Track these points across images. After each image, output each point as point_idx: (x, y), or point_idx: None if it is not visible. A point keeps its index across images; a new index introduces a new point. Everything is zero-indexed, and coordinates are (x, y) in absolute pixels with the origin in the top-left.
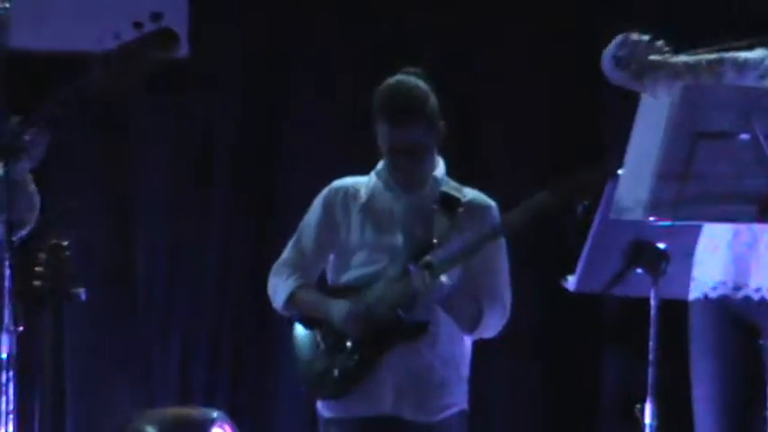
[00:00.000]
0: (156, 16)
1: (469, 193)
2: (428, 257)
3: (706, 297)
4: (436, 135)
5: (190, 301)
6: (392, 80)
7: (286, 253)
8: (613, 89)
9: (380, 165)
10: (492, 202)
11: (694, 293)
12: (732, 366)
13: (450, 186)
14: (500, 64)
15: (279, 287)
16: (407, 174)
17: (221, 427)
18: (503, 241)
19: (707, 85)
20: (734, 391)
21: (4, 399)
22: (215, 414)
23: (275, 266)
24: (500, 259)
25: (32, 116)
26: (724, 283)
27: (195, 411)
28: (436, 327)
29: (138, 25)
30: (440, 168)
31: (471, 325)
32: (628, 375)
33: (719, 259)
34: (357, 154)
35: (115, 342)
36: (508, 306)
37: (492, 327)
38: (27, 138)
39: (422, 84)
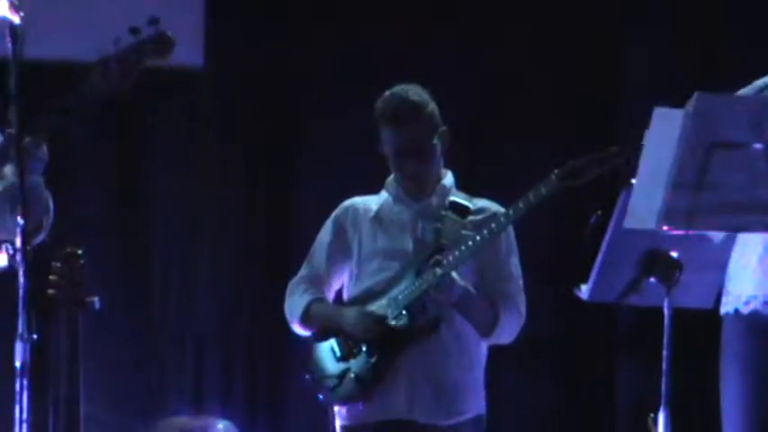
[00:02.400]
0: (153, 20)
1: (480, 202)
2: (438, 256)
3: (737, 312)
4: (439, 139)
5: (204, 310)
6: (392, 89)
7: (300, 271)
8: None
9: (389, 178)
10: (503, 210)
11: (726, 308)
12: (763, 381)
13: (460, 196)
14: (516, 69)
15: (294, 304)
16: (414, 177)
17: None
18: (515, 247)
19: (721, 95)
20: (764, 405)
21: (17, 407)
22: (220, 425)
23: (290, 285)
24: (513, 265)
25: (31, 125)
26: (755, 298)
27: (200, 421)
28: (451, 329)
29: (134, 30)
30: (448, 178)
31: (487, 330)
32: (642, 385)
33: (751, 273)
34: (373, 169)
35: (130, 351)
36: (523, 311)
37: (508, 332)
38: (25, 144)
39: (422, 90)
